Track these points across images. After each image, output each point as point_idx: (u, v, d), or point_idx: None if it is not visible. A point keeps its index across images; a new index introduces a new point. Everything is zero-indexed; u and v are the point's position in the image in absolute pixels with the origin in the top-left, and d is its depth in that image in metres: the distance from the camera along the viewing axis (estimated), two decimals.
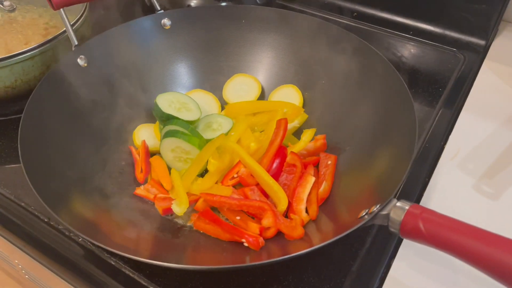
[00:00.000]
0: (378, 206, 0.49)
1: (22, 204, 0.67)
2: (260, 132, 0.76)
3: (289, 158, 0.66)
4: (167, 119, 0.69)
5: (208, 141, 0.71)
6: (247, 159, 0.65)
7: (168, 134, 0.67)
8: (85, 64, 0.70)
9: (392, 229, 0.47)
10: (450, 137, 0.78)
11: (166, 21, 0.79)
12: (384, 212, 0.47)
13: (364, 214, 0.51)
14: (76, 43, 0.69)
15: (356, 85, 0.71)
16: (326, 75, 0.77)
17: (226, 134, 0.72)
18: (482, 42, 0.98)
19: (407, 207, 0.46)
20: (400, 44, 1.00)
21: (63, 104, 0.67)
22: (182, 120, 0.69)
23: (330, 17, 1.05)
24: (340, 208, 0.60)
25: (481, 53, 0.97)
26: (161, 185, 0.67)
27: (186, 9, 0.80)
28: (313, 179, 0.65)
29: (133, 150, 0.72)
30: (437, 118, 0.81)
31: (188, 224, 0.64)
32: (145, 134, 0.74)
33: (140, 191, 0.66)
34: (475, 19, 0.97)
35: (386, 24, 1.03)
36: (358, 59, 0.73)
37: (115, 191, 0.65)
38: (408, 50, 0.99)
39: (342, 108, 0.72)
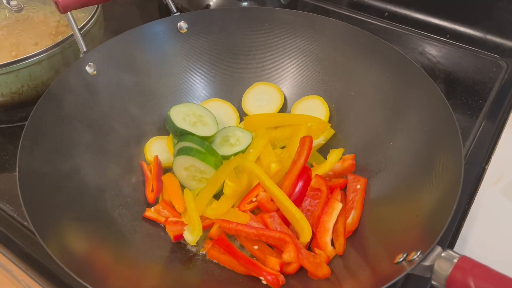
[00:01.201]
0: (419, 253, 0.42)
1: (25, 223, 0.62)
2: (281, 148, 0.70)
3: (313, 182, 0.60)
4: (181, 134, 0.64)
5: (225, 158, 0.65)
6: (267, 182, 0.59)
7: (182, 152, 0.62)
8: (94, 72, 0.65)
9: (435, 283, 0.40)
10: (493, 157, 0.70)
11: (182, 24, 0.73)
12: (426, 263, 0.40)
13: (401, 259, 0.44)
14: (85, 49, 0.64)
15: (390, 101, 0.64)
16: (356, 86, 0.70)
17: (245, 150, 0.66)
18: None
19: (455, 260, 0.39)
20: (435, 48, 0.92)
21: (68, 116, 0.62)
22: (197, 136, 0.63)
23: (359, 16, 0.97)
24: (371, 243, 0.53)
25: None
26: (173, 207, 0.62)
27: (204, 11, 0.73)
28: (340, 205, 0.59)
29: (145, 166, 0.66)
30: (477, 135, 0.73)
31: (201, 252, 0.58)
32: (157, 148, 0.69)
33: (150, 213, 0.61)
34: None
35: (420, 26, 0.95)
36: (393, 71, 0.66)
37: (123, 213, 0.60)
38: (445, 56, 0.91)
39: (375, 125, 0.65)
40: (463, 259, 0.39)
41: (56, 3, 0.61)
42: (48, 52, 0.71)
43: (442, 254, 0.40)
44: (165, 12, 0.95)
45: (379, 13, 0.99)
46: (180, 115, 0.65)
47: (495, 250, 0.57)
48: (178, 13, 0.72)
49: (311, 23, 0.73)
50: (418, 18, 0.96)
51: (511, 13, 0.88)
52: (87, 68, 0.64)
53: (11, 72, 0.70)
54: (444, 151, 0.52)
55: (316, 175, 0.61)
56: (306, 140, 0.63)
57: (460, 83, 0.84)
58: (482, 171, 0.68)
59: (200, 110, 0.67)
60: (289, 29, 0.74)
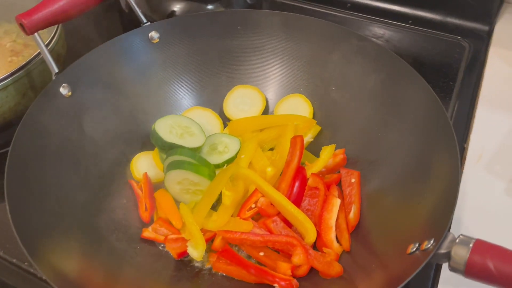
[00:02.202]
0: (432, 242, 0.43)
1: (14, 260, 0.59)
2: (269, 150, 0.69)
3: (310, 181, 0.60)
4: (170, 148, 0.62)
5: (216, 167, 0.64)
6: (265, 187, 0.59)
7: (174, 166, 0.60)
8: (69, 93, 0.62)
9: (453, 269, 0.41)
10: (471, 136, 0.73)
11: (153, 34, 0.70)
12: (442, 251, 0.41)
13: (414, 249, 0.45)
14: (57, 70, 0.61)
15: (373, 93, 0.65)
16: (336, 81, 0.70)
17: (235, 156, 0.65)
18: (486, 28, 0.93)
19: (471, 244, 0.40)
20: (400, 35, 0.94)
21: (48, 142, 0.59)
22: (187, 148, 0.62)
23: (322, 10, 0.98)
24: (376, 237, 0.54)
25: (486, 39, 0.92)
26: (170, 224, 0.60)
27: (174, 19, 0.72)
28: (339, 201, 0.59)
29: (134, 184, 0.64)
30: (453, 116, 0.76)
31: (207, 266, 0.57)
32: (144, 164, 0.67)
33: (148, 233, 0.59)
34: (477, 3, 0.92)
35: (383, 14, 0.97)
36: (372, 63, 0.67)
37: (120, 237, 0.58)
38: (410, 41, 0.94)
39: (360, 117, 0.66)
40: (479, 242, 0.40)
41: (21, 25, 0.58)
42: (14, 76, 0.67)
43: (457, 240, 0.41)
44: (127, 23, 0.92)
45: (342, 4, 1.00)
46: (166, 128, 0.63)
47: (489, 227, 0.59)
48: (148, 23, 0.70)
49: (284, 21, 0.73)
50: (380, 6, 0.99)
51: None
52: (61, 89, 0.61)
53: None
54: (437, 139, 0.54)
55: (312, 173, 0.61)
56: (297, 140, 0.63)
57: (428, 67, 0.86)
58: (462, 150, 0.70)
59: (185, 121, 0.66)
60: (262, 29, 0.73)
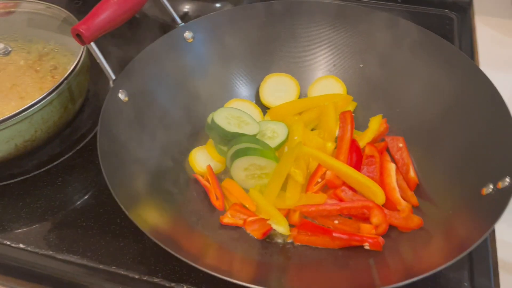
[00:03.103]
0: (508, 180, 0.50)
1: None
2: (312, 130, 0.74)
3: (367, 150, 0.66)
4: (232, 137, 0.65)
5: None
6: (330, 160, 0.63)
7: (241, 153, 0.63)
8: (126, 98, 0.63)
9: None
10: None
11: (187, 34, 0.73)
12: None
13: (490, 191, 0.52)
14: (114, 77, 0.62)
15: (406, 66, 0.71)
16: (362, 58, 0.76)
17: (286, 139, 0.69)
18: None
19: None
20: (392, 14, 1.01)
21: (116, 148, 0.60)
22: (249, 135, 0.65)
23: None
24: (437, 192, 0.60)
25: (468, 9, 1.02)
26: (245, 208, 0.63)
27: (204, 18, 0.74)
28: (393, 165, 0.65)
29: (200, 178, 0.67)
30: None
31: (289, 240, 0.61)
32: (202, 158, 0.69)
33: (227, 219, 0.62)
34: None
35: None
36: (392, 35, 0.73)
37: (205, 224, 0.61)
38: (402, 18, 1.01)
39: (392, 86, 0.72)
40: None
41: (79, 36, 0.59)
42: (58, 90, 0.67)
43: None
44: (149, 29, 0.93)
45: None
46: (224, 120, 0.66)
47: None
48: (183, 24, 0.72)
49: (303, 8, 0.78)
50: None
51: None
52: (120, 95, 0.63)
53: (24, 120, 0.65)
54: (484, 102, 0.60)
55: (367, 143, 0.66)
56: (347, 115, 0.68)
57: None
58: None
59: (236, 112, 0.69)
60: (285, 18, 0.78)
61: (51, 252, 0.61)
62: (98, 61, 0.61)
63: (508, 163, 0.51)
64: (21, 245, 0.62)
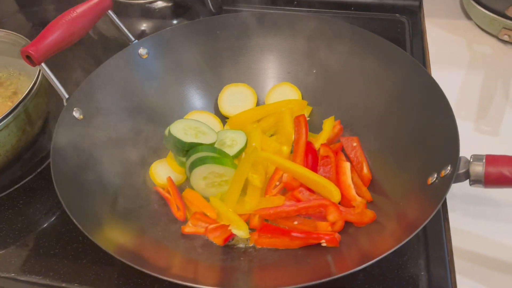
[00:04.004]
0: (449, 167, 0.52)
1: None
2: (270, 136, 0.76)
3: (322, 151, 0.68)
4: (190, 148, 0.66)
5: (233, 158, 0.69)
6: (286, 164, 0.65)
7: (199, 163, 0.64)
8: (81, 116, 0.64)
9: (474, 184, 0.51)
10: None
11: (142, 51, 0.74)
12: (461, 171, 0.50)
13: (434, 180, 0.54)
14: (67, 96, 0.63)
15: (353, 68, 0.74)
16: (314, 64, 0.79)
17: (245, 147, 0.71)
18: (416, 3, 1.07)
19: (483, 160, 0.49)
20: (347, 21, 1.05)
21: (71, 170, 0.61)
22: (206, 144, 0.66)
23: (272, 10, 1.06)
24: (391, 184, 0.62)
25: (418, 13, 1.06)
26: (206, 216, 0.64)
27: (158, 33, 0.76)
28: (348, 164, 0.67)
29: (160, 190, 0.67)
30: None
31: (250, 244, 0.62)
32: (162, 171, 0.70)
33: (189, 228, 0.63)
34: None
35: (328, 6, 1.08)
36: (338, 42, 0.76)
37: (166, 235, 0.61)
38: (357, 25, 1.04)
39: (347, 91, 0.75)
40: (489, 156, 0.50)
41: (28, 57, 0.60)
42: (14, 113, 0.68)
43: (470, 159, 0.51)
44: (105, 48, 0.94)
45: (288, 3, 1.10)
46: (181, 131, 0.67)
47: None
48: (136, 41, 0.73)
49: (252, 20, 0.80)
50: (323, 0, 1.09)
51: None
52: (74, 113, 0.63)
53: None
54: (423, 91, 0.63)
55: (322, 144, 0.68)
56: (301, 119, 0.70)
57: None
58: None
59: (193, 123, 0.70)
60: (236, 30, 0.80)
61: (13, 274, 0.61)
62: (50, 80, 0.62)
63: (449, 152, 0.53)
64: None
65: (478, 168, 0.50)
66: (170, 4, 0.91)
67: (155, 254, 0.58)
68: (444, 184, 0.51)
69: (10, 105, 0.77)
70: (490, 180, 0.49)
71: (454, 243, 0.61)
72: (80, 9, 0.66)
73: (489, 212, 0.63)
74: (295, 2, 1.10)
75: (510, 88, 0.85)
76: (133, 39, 0.73)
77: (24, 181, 0.73)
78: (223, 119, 0.79)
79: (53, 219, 0.67)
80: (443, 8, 1.07)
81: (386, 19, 1.05)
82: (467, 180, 0.52)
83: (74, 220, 0.51)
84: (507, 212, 0.63)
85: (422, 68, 0.65)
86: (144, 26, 0.94)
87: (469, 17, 1.02)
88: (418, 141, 0.61)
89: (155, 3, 0.89)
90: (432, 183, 0.54)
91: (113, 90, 0.70)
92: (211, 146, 0.67)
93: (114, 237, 0.56)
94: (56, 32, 0.62)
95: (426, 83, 0.62)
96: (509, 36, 0.92)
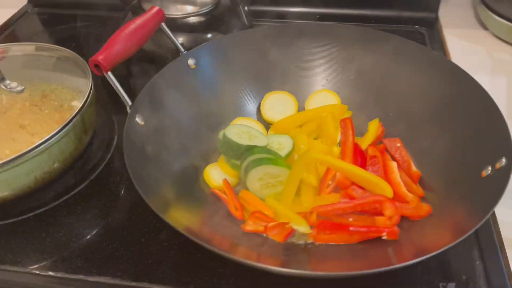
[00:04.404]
0: (504, 160, 0.56)
1: None
2: (314, 139, 0.79)
3: (370, 151, 0.71)
4: (246, 150, 0.69)
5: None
6: (339, 163, 0.68)
7: (255, 164, 0.67)
8: (142, 122, 0.67)
9: None
10: None
11: (190, 61, 0.78)
12: None
13: (489, 172, 0.57)
14: (130, 103, 0.66)
15: (386, 73, 0.79)
16: (352, 70, 0.83)
17: (292, 150, 0.74)
18: (433, 15, 1.13)
19: None
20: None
21: (140, 166, 0.63)
22: (261, 147, 0.70)
23: (297, 22, 1.11)
24: (440, 180, 0.66)
25: (435, 24, 1.12)
26: (264, 215, 0.67)
27: (206, 44, 0.79)
28: (395, 163, 0.71)
29: (217, 191, 0.70)
30: None
31: (309, 241, 0.65)
32: (216, 174, 0.73)
33: (250, 226, 0.65)
34: None
35: (349, 19, 1.13)
36: (373, 50, 0.80)
37: (225, 233, 0.64)
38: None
39: (382, 93, 0.79)
40: None
41: (97, 66, 0.63)
42: (73, 121, 0.71)
43: None
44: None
45: (311, 16, 1.15)
46: (236, 136, 0.70)
47: None
48: (186, 51, 0.77)
49: (293, 30, 0.85)
50: (345, 13, 1.15)
51: None
52: (137, 119, 0.66)
53: (44, 152, 0.68)
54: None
55: (369, 145, 0.72)
56: (347, 121, 0.74)
57: None
58: None
59: (244, 127, 0.74)
60: (278, 40, 0.84)
61: (81, 276, 0.63)
62: (115, 88, 0.65)
63: (502, 145, 0.57)
64: (50, 273, 0.63)
65: None
66: (204, 19, 0.94)
67: (219, 243, 0.60)
68: (503, 176, 0.55)
69: (58, 116, 0.79)
70: None
71: (504, 234, 0.64)
72: (138, 21, 0.69)
73: None
74: (317, 16, 1.15)
75: None
76: (183, 50, 0.77)
77: (79, 188, 0.75)
78: (266, 125, 0.82)
79: (112, 222, 0.69)
80: (458, 19, 1.13)
81: (406, 31, 1.10)
82: None
83: (147, 201, 0.54)
84: None
85: (462, 70, 0.69)
86: (180, 40, 0.98)
87: (485, 27, 1.08)
88: (466, 138, 0.65)
89: (190, 18, 0.93)
90: (487, 176, 0.58)
91: (169, 97, 0.73)
92: (265, 148, 0.70)
93: (183, 221, 0.59)
94: (120, 43, 0.65)
95: (468, 83, 0.67)
96: None
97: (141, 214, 0.70)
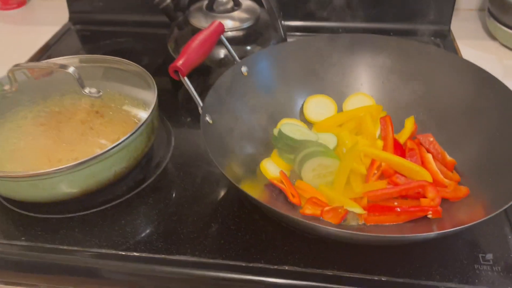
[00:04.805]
0: None
1: None
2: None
3: (409, 144, 0.81)
4: (300, 145, 0.79)
5: None
6: (383, 154, 0.78)
7: (310, 156, 0.77)
8: (211, 121, 0.76)
9: None
10: None
11: (243, 69, 0.88)
12: None
13: None
14: (202, 104, 0.75)
15: (417, 76, 0.89)
16: (383, 76, 0.93)
17: (336, 145, 0.84)
18: (446, 27, 1.25)
19: None
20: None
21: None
22: (313, 141, 0.79)
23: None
24: (473, 168, 0.76)
25: (448, 36, 1.24)
26: (320, 200, 0.76)
27: (255, 55, 0.90)
28: (430, 155, 0.81)
29: (275, 181, 0.79)
30: None
31: (361, 223, 0.74)
32: (271, 167, 0.82)
33: (308, 210, 0.74)
34: (437, 12, 1.23)
35: (370, 32, 1.24)
36: (399, 58, 0.91)
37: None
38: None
39: (412, 96, 0.89)
40: None
41: (176, 72, 0.72)
42: (146, 123, 0.80)
43: None
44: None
45: (335, 30, 1.26)
46: (290, 132, 0.80)
47: None
48: (240, 60, 0.87)
49: (331, 41, 0.95)
50: (366, 26, 1.26)
51: (428, 6, 1.23)
52: (207, 119, 0.76)
53: (123, 149, 0.76)
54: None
55: (408, 139, 0.82)
56: (387, 119, 0.84)
57: None
58: None
59: (294, 126, 0.83)
60: (317, 49, 0.94)
61: (163, 255, 0.71)
62: (189, 91, 0.75)
63: None
64: (135, 253, 0.72)
65: None
66: (244, 33, 1.05)
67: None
68: None
69: (122, 120, 0.88)
70: None
71: None
72: (204, 34, 0.79)
73: None
74: (340, 30, 1.27)
75: None
76: (238, 59, 0.87)
77: (148, 181, 0.83)
78: (309, 125, 0.92)
79: (181, 209, 0.78)
80: (469, 31, 1.25)
81: (423, 42, 1.21)
82: None
83: (223, 172, 0.65)
84: None
85: (490, 74, 0.79)
86: (223, 53, 1.07)
87: (494, 38, 1.20)
88: (493, 132, 0.75)
89: (233, 32, 1.04)
90: None
91: (229, 99, 0.82)
92: (317, 142, 0.79)
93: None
94: (193, 52, 0.75)
95: (496, 87, 0.77)
96: None
97: (206, 203, 0.79)
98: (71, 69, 0.80)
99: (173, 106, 1.03)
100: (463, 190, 0.72)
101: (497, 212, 0.61)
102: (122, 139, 0.74)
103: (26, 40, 1.30)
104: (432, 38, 1.22)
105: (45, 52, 1.25)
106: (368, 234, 0.65)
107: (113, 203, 0.80)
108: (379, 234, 0.65)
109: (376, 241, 0.67)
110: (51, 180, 0.73)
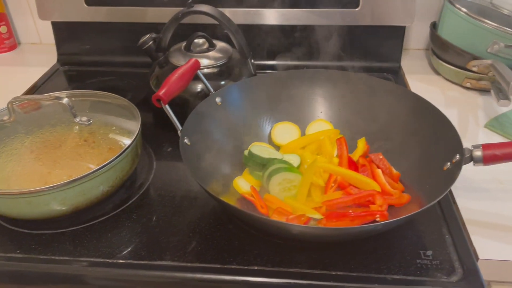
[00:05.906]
0: (458, 156, 0.79)
1: None
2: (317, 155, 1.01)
3: (360, 161, 0.94)
4: (267, 162, 0.90)
5: None
6: (339, 169, 0.90)
7: (276, 172, 0.88)
8: (189, 143, 0.88)
9: (476, 162, 0.78)
10: None
11: (217, 99, 1.00)
12: (466, 156, 0.78)
13: (448, 166, 0.80)
14: (181, 128, 0.87)
15: (367, 105, 1.03)
16: (340, 104, 1.07)
17: (300, 164, 0.96)
18: (397, 64, 1.42)
19: (480, 147, 0.77)
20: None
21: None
22: (279, 159, 0.91)
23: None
24: (415, 178, 0.89)
25: (399, 71, 1.40)
26: (285, 210, 0.87)
27: (227, 88, 1.03)
28: (379, 170, 0.93)
29: (246, 195, 0.90)
30: None
31: None
32: (242, 183, 0.93)
33: (275, 216, 0.85)
34: (389, 52, 1.41)
35: (331, 69, 1.40)
36: (354, 88, 1.06)
37: None
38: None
39: (365, 120, 1.03)
40: (483, 144, 0.77)
41: (159, 100, 0.84)
42: (132, 145, 0.90)
43: (471, 148, 0.78)
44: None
45: (300, 68, 1.41)
46: (259, 152, 0.92)
47: None
48: (214, 92, 1.00)
49: (294, 75, 1.09)
50: (327, 64, 1.41)
51: (382, 47, 1.40)
52: (185, 140, 0.87)
53: (111, 168, 0.86)
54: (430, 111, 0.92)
55: (359, 156, 0.94)
56: (341, 140, 0.97)
57: None
58: None
59: (262, 147, 0.95)
60: (283, 83, 1.08)
61: (146, 261, 0.80)
62: (169, 117, 0.86)
63: (455, 147, 0.81)
64: (120, 261, 0.80)
65: (477, 153, 0.77)
66: (219, 69, 1.18)
67: None
68: (456, 167, 0.78)
69: (106, 148, 0.98)
70: (487, 160, 0.76)
71: (464, 217, 0.87)
72: (182, 69, 0.92)
73: (482, 195, 0.90)
74: (304, 67, 1.42)
75: (478, 119, 1.16)
76: (212, 90, 0.99)
77: (132, 200, 0.93)
78: (276, 148, 1.04)
79: (163, 223, 0.87)
80: (416, 68, 1.42)
81: (378, 76, 1.37)
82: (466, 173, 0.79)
83: (201, 185, 0.75)
84: (492, 193, 0.90)
85: (423, 98, 0.94)
86: (199, 87, 1.20)
87: (437, 73, 1.37)
88: (431, 146, 0.89)
89: (208, 69, 1.17)
90: (447, 169, 0.81)
91: (205, 125, 0.94)
92: (282, 160, 0.91)
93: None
94: (173, 84, 0.87)
95: (428, 108, 0.92)
96: (470, 83, 1.26)
97: (184, 217, 0.88)
98: (65, 100, 0.91)
99: (155, 136, 1.14)
100: (406, 197, 0.85)
101: (427, 206, 0.73)
102: (110, 159, 0.85)
103: (17, 79, 1.41)
104: (385, 74, 1.38)
105: (35, 90, 1.36)
106: (328, 227, 0.76)
107: (101, 219, 0.89)
108: (337, 227, 0.76)
109: (334, 235, 0.76)
110: (45, 197, 0.82)
